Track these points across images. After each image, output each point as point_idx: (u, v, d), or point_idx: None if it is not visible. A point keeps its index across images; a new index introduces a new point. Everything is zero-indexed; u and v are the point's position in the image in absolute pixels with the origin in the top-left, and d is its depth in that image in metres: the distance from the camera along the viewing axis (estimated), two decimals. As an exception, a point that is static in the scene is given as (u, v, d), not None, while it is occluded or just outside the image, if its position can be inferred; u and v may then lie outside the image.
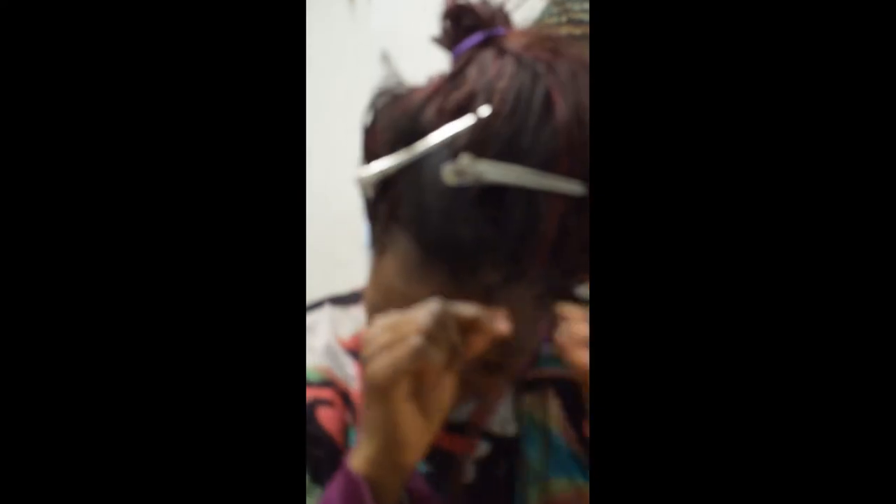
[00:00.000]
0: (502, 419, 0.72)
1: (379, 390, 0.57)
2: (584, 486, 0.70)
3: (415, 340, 0.56)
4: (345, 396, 0.71)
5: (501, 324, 0.58)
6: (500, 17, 0.64)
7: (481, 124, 0.58)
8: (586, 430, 0.63)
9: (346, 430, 0.70)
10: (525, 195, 0.58)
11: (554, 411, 0.72)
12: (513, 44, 0.61)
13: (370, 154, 0.63)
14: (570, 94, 0.59)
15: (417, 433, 0.59)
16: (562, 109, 0.59)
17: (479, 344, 0.59)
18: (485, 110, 0.59)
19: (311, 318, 0.75)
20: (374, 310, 0.63)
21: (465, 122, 0.59)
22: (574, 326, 0.60)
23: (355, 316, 0.75)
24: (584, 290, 0.61)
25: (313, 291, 0.71)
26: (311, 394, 0.70)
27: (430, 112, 0.60)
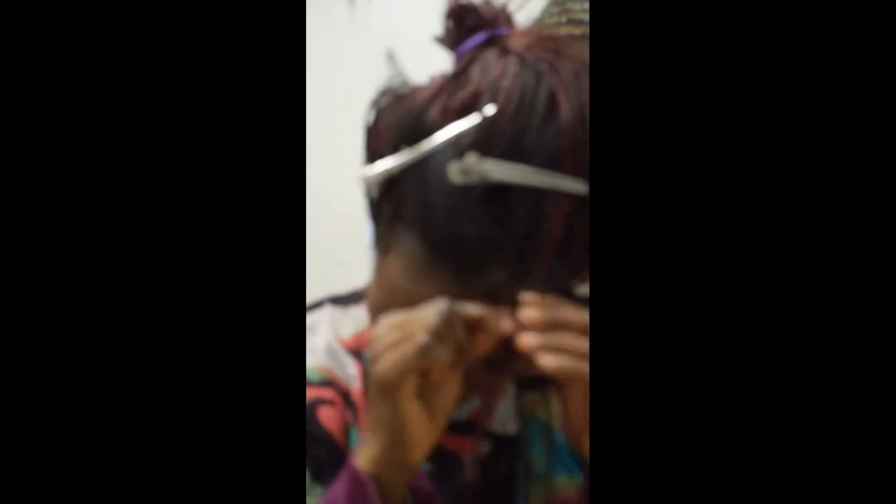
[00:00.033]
0: (504, 418, 0.72)
1: (385, 389, 0.58)
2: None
3: (421, 339, 0.56)
4: (345, 396, 0.71)
5: (507, 322, 0.58)
6: (503, 17, 0.64)
7: (486, 123, 0.59)
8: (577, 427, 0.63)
9: (346, 429, 0.70)
10: (530, 194, 0.58)
11: (555, 410, 0.72)
12: (515, 44, 0.62)
13: (373, 153, 0.64)
14: (573, 94, 0.59)
15: (423, 431, 0.59)
16: (565, 109, 0.59)
17: (484, 343, 0.59)
18: (490, 109, 0.59)
19: (312, 318, 0.75)
20: (379, 309, 0.63)
21: (469, 121, 0.59)
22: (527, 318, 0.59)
23: (356, 316, 0.75)
24: (584, 289, 0.62)
25: (314, 291, 0.71)
26: (311, 393, 0.70)
27: (434, 111, 0.60)
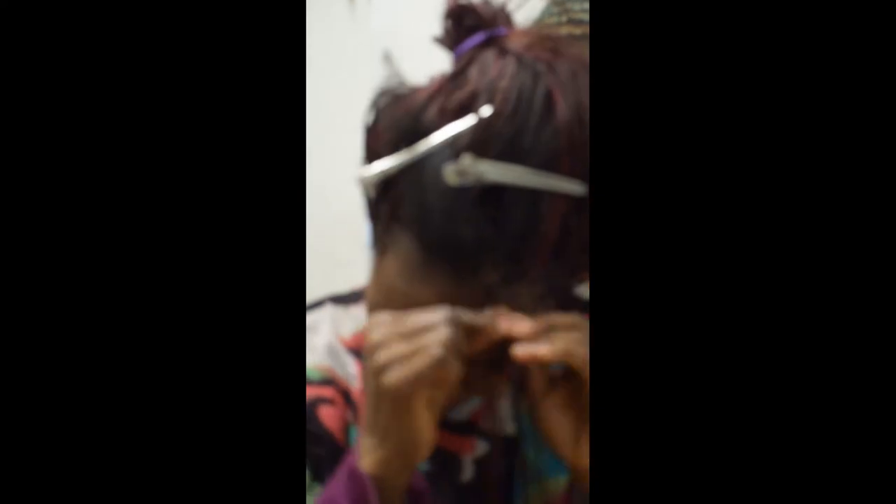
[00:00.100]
0: (501, 418, 0.73)
1: (398, 400, 0.58)
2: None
3: (437, 352, 0.56)
4: (346, 395, 0.71)
5: (503, 324, 0.58)
6: (502, 18, 0.64)
7: (483, 124, 0.59)
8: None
9: (347, 428, 0.70)
10: (526, 195, 0.58)
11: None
12: (514, 44, 0.62)
13: (372, 154, 0.64)
14: (570, 94, 0.59)
15: (430, 435, 0.60)
16: (563, 109, 0.59)
17: (481, 344, 0.59)
18: (486, 110, 0.59)
19: (312, 318, 0.75)
20: (376, 309, 0.63)
21: (466, 121, 0.59)
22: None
23: (356, 315, 0.75)
24: (584, 290, 0.62)
25: (313, 291, 0.71)
26: (312, 392, 0.70)
27: (431, 112, 0.60)
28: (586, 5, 1.22)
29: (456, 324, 0.57)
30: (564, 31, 1.22)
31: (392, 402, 0.58)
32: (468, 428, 0.72)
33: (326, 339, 0.74)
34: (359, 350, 0.74)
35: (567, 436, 0.62)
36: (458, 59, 0.63)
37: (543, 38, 0.62)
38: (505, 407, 0.73)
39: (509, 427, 0.73)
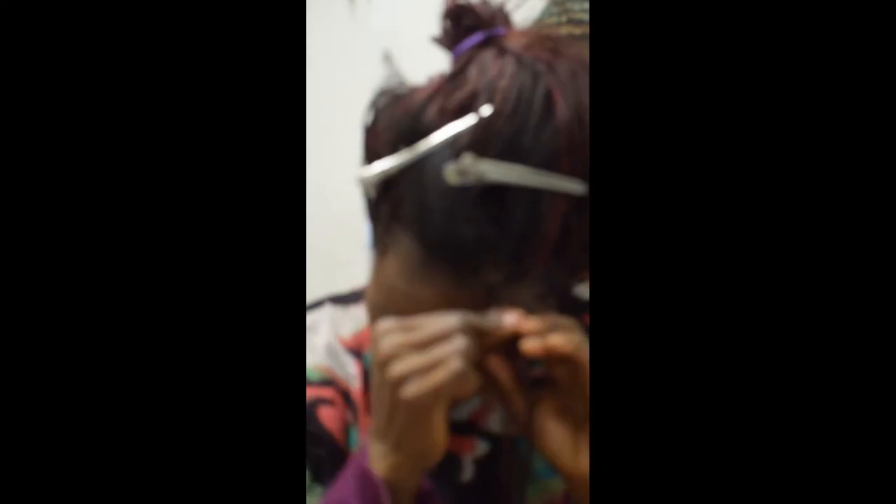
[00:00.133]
0: (502, 418, 0.73)
1: (416, 412, 0.58)
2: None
3: (457, 365, 0.56)
4: (345, 395, 0.71)
5: (511, 319, 0.58)
6: (500, 17, 0.64)
7: (483, 124, 0.59)
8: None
9: (346, 429, 0.70)
10: (527, 195, 0.58)
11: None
12: (513, 44, 0.61)
13: (371, 154, 0.64)
14: (570, 94, 0.59)
15: (443, 440, 0.60)
16: (562, 109, 0.59)
17: (489, 345, 0.59)
18: (486, 110, 0.59)
19: (312, 318, 0.75)
20: (377, 310, 0.63)
21: (466, 121, 0.59)
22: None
23: (356, 315, 0.75)
24: (583, 290, 0.62)
25: (313, 291, 0.71)
26: (312, 393, 0.70)
27: (431, 112, 0.60)
28: (586, 5, 1.22)
29: (470, 331, 0.57)
30: (564, 31, 1.22)
31: (409, 413, 0.58)
32: (468, 428, 0.72)
33: (326, 339, 0.74)
34: (358, 350, 0.74)
35: (562, 445, 0.62)
36: (456, 58, 0.63)
37: (542, 38, 0.62)
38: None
39: (509, 427, 0.73)
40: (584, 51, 0.60)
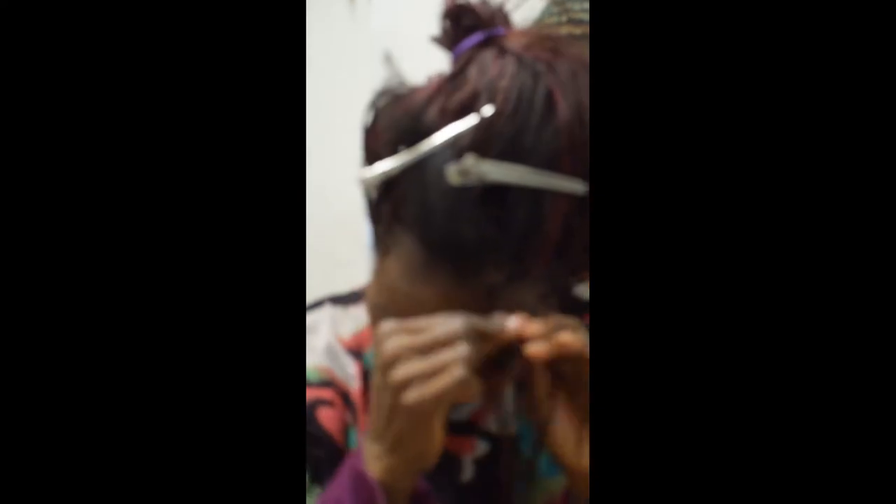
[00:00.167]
0: (502, 418, 0.72)
1: (417, 416, 0.57)
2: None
3: (459, 372, 0.56)
4: (345, 396, 0.71)
5: (514, 323, 0.58)
6: (500, 17, 0.64)
7: (484, 124, 0.58)
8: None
9: (346, 430, 0.70)
10: (528, 195, 0.58)
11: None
12: (513, 43, 0.61)
13: (371, 154, 0.63)
14: (570, 94, 0.59)
15: (441, 444, 0.60)
16: (563, 109, 0.59)
17: (491, 348, 0.59)
18: (487, 110, 0.59)
19: (312, 318, 0.75)
20: (378, 310, 0.63)
21: (467, 121, 0.59)
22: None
23: (356, 315, 0.75)
24: (585, 290, 0.62)
25: (313, 291, 0.71)
26: (311, 394, 0.70)
27: (432, 112, 0.60)
28: (586, 5, 1.22)
29: (473, 336, 0.57)
30: (564, 30, 1.22)
31: (409, 418, 0.58)
32: (468, 428, 0.72)
33: (326, 340, 0.74)
34: (358, 351, 0.74)
35: (568, 438, 0.62)
36: (456, 58, 0.62)
37: (542, 38, 0.62)
38: (505, 407, 0.73)
39: (509, 427, 0.73)
40: (584, 50, 0.60)
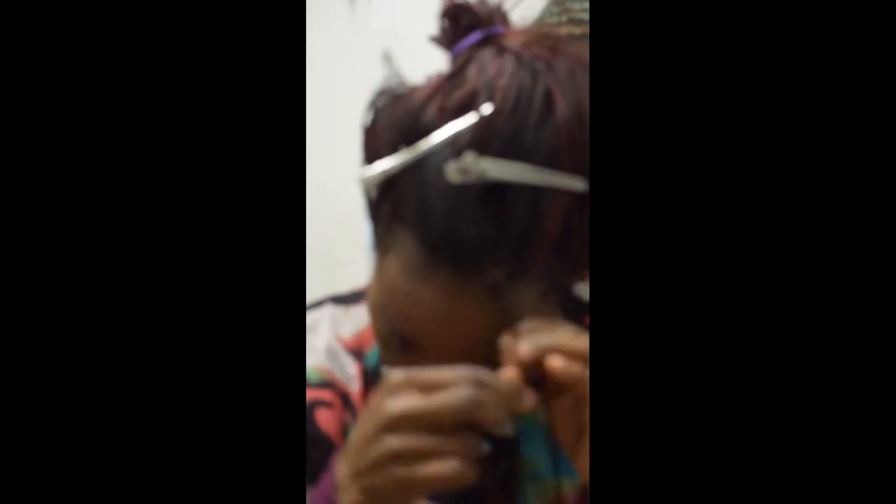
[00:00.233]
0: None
1: (402, 489, 0.55)
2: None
3: (458, 467, 0.54)
4: (345, 398, 0.71)
5: (524, 348, 0.57)
6: (498, 16, 0.64)
7: (483, 122, 0.58)
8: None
9: (345, 431, 0.70)
10: (528, 192, 0.58)
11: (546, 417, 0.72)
12: (511, 42, 0.61)
13: (371, 154, 0.63)
14: (569, 92, 0.59)
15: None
16: (562, 107, 0.59)
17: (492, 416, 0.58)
18: (486, 108, 0.59)
19: (312, 318, 0.75)
20: (379, 310, 0.63)
21: (467, 120, 0.59)
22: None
23: (357, 315, 0.75)
24: (584, 289, 0.61)
25: (313, 291, 0.71)
26: (310, 395, 0.70)
27: (431, 111, 0.60)
28: (586, 5, 1.23)
29: (484, 407, 0.55)
30: (564, 30, 1.22)
31: (391, 484, 0.55)
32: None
33: (326, 340, 0.73)
34: (359, 351, 0.74)
35: (576, 438, 0.61)
36: (455, 58, 0.62)
37: (541, 37, 0.62)
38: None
39: (510, 428, 0.72)
40: (582, 49, 0.61)
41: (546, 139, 0.58)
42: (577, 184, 0.58)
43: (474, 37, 0.62)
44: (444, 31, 0.64)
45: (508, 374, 0.57)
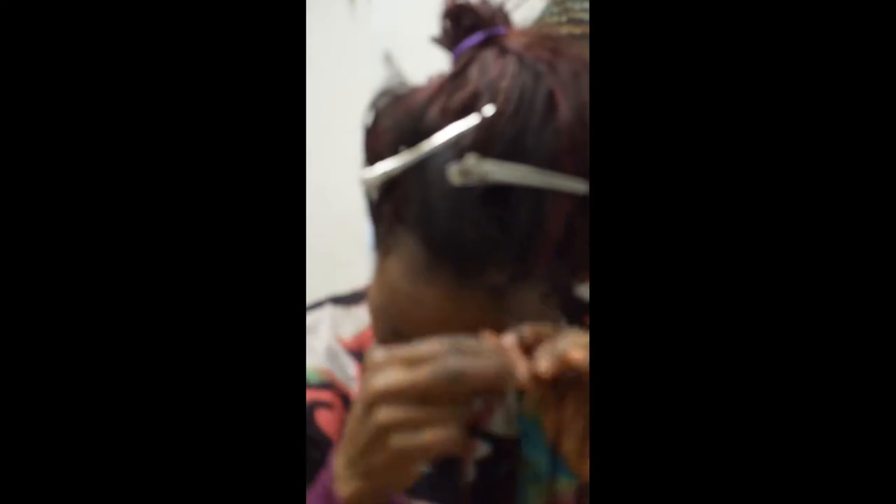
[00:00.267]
0: (503, 420, 0.72)
1: (401, 460, 0.55)
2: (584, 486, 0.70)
3: (452, 432, 0.55)
4: (345, 398, 0.71)
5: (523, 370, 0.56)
6: (500, 17, 0.64)
7: (485, 124, 0.58)
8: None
9: (345, 432, 0.70)
10: (530, 194, 0.58)
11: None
12: (513, 43, 0.61)
13: (372, 154, 0.63)
14: (571, 94, 0.59)
15: (415, 477, 0.58)
16: (564, 109, 0.59)
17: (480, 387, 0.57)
18: (489, 110, 0.58)
19: (312, 318, 0.75)
20: (380, 311, 0.63)
21: (469, 121, 0.59)
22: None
23: (357, 315, 0.75)
24: (586, 290, 0.61)
25: (313, 291, 0.71)
26: (310, 396, 0.70)
27: (433, 112, 0.60)
28: (586, 5, 1.22)
29: (467, 381, 0.55)
30: (565, 30, 1.22)
31: (389, 457, 0.55)
32: (469, 430, 0.71)
33: (326, 341, 0.73)
34: (359, 352, 0.73)
35: (577, 444, 0.61)
36: (457, 58, 0.62)
37: (543, 38, 0.62)
38: (506, 408, 0.73)
39: (511, 428, 0.72)
40: (584, 50, 0.60)
41: (548, 141, 0.58)
42: (579, 186, 0.58)
43: (476, 37, 0.62)
44: (445, 31, 0.64)
45: (491, 340, 0.57)
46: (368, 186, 0.63)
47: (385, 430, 0.55)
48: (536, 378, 0.57)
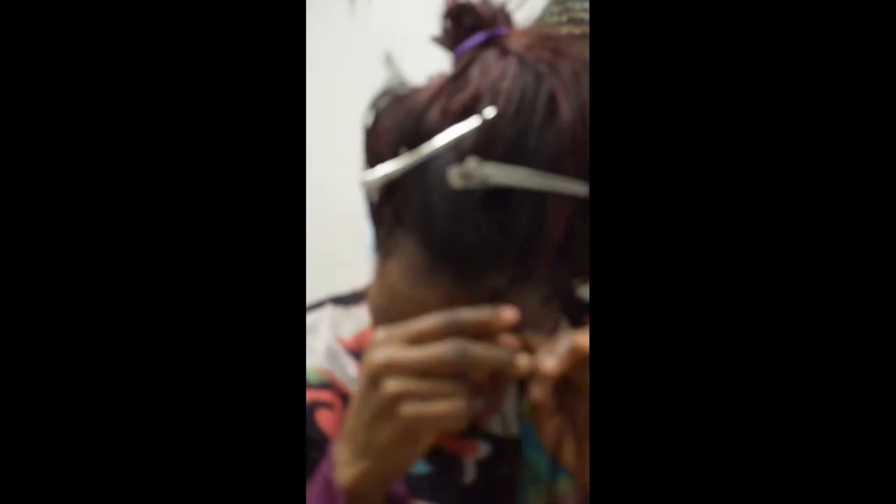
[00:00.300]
0: (504, 420, 0.72)
1: (410, 432, 0.56)
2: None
3: (459, 405, 0.55)
4: (345, 398, 0.71)
5: (523, 362, 0.57)
6: (502, 17, 0.63)
7: (486, 126, 0.58)
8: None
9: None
10: (531, 197, 0.58)
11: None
12: (515, 44, 0.61)
13: (373, 155, 0.63)
14: (573, 95, 0.59)
15: (420, 457, 0.59)
16: (566, 110, 0.58)
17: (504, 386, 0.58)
18: (490, 112, 0.58)
19: (312, 318, 0.75)
20: (380, 313, 0.63)
21: (470, 123, 0.59)
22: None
23: (357, 316, 0.75)
24: (585, 291, 0.61)
25: (314, 291, 0.71)
26: (310, 396, 0.70)
27: (434, 113, 0.60)
28: (586, 5, 1.22)
29: (468, 357, 0.56)
30: (565, 30, 1.22)
31: (398, 429, 0.56)
32: (470, 429, 0.71)
33: (326, 341, 0.73)
34: (360, 352, 0.73)
35: (572, 447, 0.61)
36: (458, 59, 0.62)
37: (544, 38, 0.62)
38: (507, 408, 0.73)
39: (511, 428, 0.72)
40: (585, 51, 0.60)
41: (549, 143, 0.58)
42: (580, 188, 0.58)
43: (477, 38, 0.62)
44: (446, 31, 0.63)
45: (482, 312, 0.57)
46: (369, 189, 0.63)
47: (394, 400, 0.56)
48: (542, 376, 0.57)
